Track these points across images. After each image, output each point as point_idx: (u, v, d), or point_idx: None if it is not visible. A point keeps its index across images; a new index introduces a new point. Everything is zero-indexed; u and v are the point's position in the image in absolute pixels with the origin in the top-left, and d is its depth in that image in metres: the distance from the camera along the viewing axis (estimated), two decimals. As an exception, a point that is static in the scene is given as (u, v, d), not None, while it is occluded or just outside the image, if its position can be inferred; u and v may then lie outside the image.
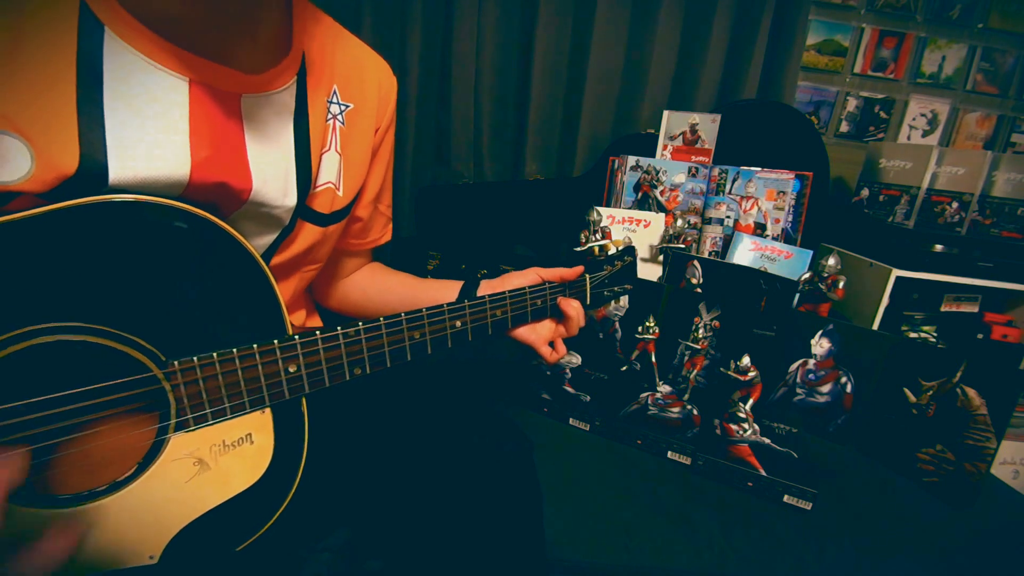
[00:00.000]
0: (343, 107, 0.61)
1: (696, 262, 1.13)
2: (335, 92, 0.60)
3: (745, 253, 1.23)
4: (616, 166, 1.38)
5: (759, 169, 1.29)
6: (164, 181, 0.45)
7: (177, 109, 0.46)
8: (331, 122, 0.60)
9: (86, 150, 0.42)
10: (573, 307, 0.71)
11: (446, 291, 0.74)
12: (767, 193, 1.30)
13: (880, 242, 1.32)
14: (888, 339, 0.98)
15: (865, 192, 1.46)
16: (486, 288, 0.72)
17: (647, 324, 1.02)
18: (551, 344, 0.73)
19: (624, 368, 1.04)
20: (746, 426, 0.92)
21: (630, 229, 1.28)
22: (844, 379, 0.95)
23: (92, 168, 0.42)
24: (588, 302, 0.75)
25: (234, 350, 0.45)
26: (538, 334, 0.72)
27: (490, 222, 1.49)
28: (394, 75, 0.68)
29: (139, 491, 0.44)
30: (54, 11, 0.40)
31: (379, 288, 0.78)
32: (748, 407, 0.93)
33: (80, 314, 0.40)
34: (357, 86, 0.62)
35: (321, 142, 0.59)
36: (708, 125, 1.37)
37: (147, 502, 0.44)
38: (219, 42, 0.47)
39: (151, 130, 0.45)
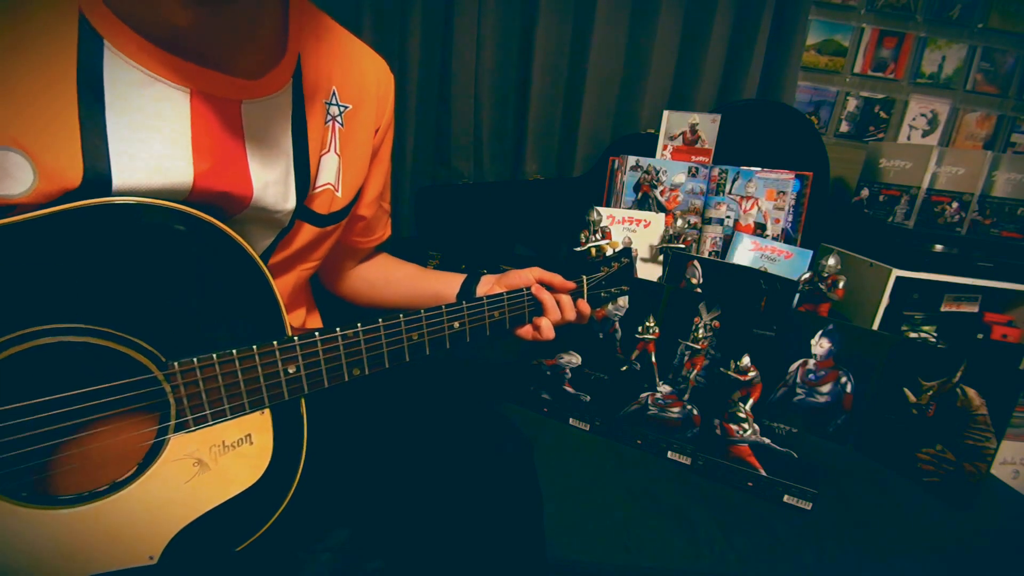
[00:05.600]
0: (342, 108, 0.61)
1: (696, 262, 1.13)
2: (334, 94, 0.60)
3: (745, 253, 1.23)
4: (616, 166, 1.38)
5: (759, 169, 1.29)
6: (167, 192, 0.45)
7: (179, 120, 0.46)
8: (330, 124, 0.60)
9: (90, 164, 0.42)
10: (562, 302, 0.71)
11: (448, 285, 0.75)
12: (767, 193, 1.30)
13: (880, 242, 1.32)
14: (888, 339, 0.98)
15: (865, 192, 1.46)
16: (487, 282, 0.73)
17: (647, 324, 1.02)
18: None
19: (624, 368, 1.04)
20: (746, 426, 0.92)
21: (630, 229, 1.28)
22: (844, 379, 0.95)
23: (95, 181, 0.42)
24: (586, 303, 0.75)
25: (233, 351, 0.45)
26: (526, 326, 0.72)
27: (490, 222, 1.49)
28: (391, 72, 0.68)
29: (139, 492, 0.44)
30: (53, 26, 0.40)
31: (386, 280, 0.79)
32: (748, 407, 0.93)
33: (81, 315, 0.40)
34: (356, 86, 0.62)
35: (320, 144, 0.58)
36: (708, 125, 1.37)
37: (147, 503, 0.44)
38: (219, 50, 0.47)
39: (153, 142, 0.45)
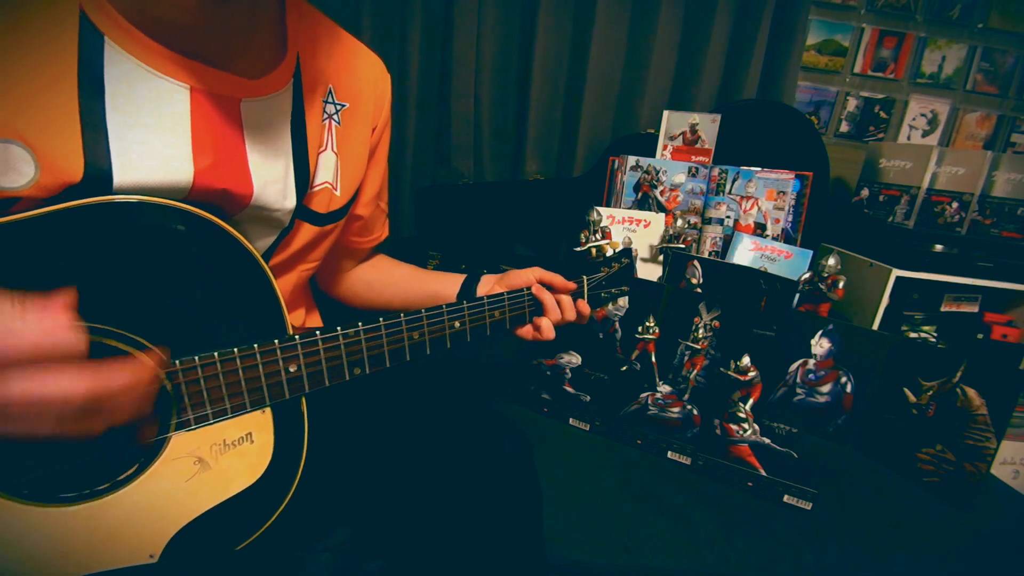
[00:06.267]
0: (339, 107, 0.61)
1: (696, 262, 1.13)
2: (330, 92, 0.60)
3: (745, 253, 1.23)
4: (616, 166, 1.38)
5: (759, 169, 1.29)
6: (167, 189, 0.46)
7: (179, 117, 0.46)
8: (327, 122, 0.60)
9: (90, 158, 0.42)
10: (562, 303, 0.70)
11: (448, 285, 0.75)
12: (767, 193, 1.30)
13: (880, 242, 1.32)
14: (888, 339, 0.98)
15: (865, 192, 1.46)
16: (487, 282, 0.73)
17: (647, 324, 1.02)
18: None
19: (624, 368, 1.04)
20: (746, 426, 0.92)
21: (630, 229, 1.28)
22: (844, 379, 0.95)
23: (96, 176, 0.42)
24: (586, 303, 0.75)
25: (235, 350, 0.46)
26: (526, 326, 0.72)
27: (490, 222, 1.49)
28: (388, 72, 0.68)
29: (140, 489, 0.44)
30: (54, 22, 0.40)
31: (384, 281, 0.79)
32: (748, 407, 0.93)
33: (83, 313, 0.40)
34: (352, 85, 0.62)
35: (318, 142, 0.59)
36: (708, 125, 1.37)
37: (147, 501, 0.44)
38: (219, 48, 0.47)
39: (154, 138, 0.45)
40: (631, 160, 1.33)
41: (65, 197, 0.41)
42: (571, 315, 0.71)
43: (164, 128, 0.45)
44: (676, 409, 1.00)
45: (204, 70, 0.47)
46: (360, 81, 0.63)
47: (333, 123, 0.60)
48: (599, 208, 1.21)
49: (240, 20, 0.48)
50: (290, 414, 0.51)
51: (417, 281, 0.78)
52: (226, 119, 0.49)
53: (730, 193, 1.31)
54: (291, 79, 0.54)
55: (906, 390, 0.97)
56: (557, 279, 0.70)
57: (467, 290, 0.74)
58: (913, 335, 1.35)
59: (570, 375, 1.08)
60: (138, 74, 0.44)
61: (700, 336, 0.99)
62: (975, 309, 1.37)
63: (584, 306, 0.73)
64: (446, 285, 0.75)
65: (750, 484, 0.90)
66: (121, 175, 0.43)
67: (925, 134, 1.65)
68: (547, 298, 0.69)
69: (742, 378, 0.93)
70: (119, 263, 0.41)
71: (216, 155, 0.48)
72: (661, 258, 1.25)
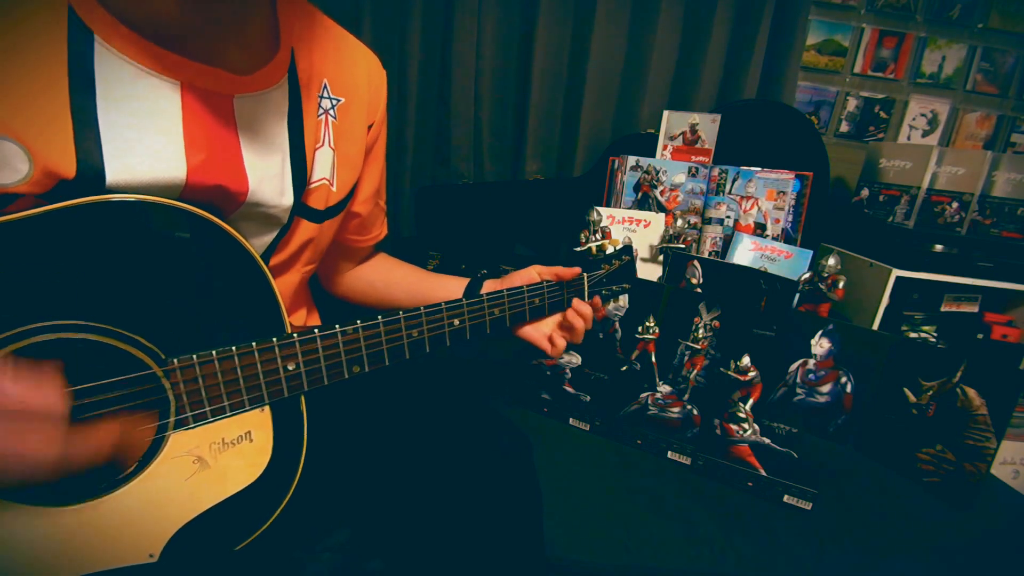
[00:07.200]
0: (334, 101, 0.61)
1: (696, 262, 1.13)
2: (325, 86, 0.59)
3: (745, 253, 1.23)
4: (616, 166, 1.38)
5: (759, 169, 1.29)
6: (161, 185, 0.46)
7: (170, 113, 0.46)
8: (323, 117, 0.59)
9: (82, 155, 0.42)
10: (583, 315, 0.72)
11: (450, 287, 0.75)
12: (767, 193, 1.30)
13: (880, 242, 1.32)
14: (888, 339, 0.98)
15: (865, 192, 1.46)
16: (489, 287, 0.73)
17: (647, 324, 1.02)
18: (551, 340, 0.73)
19: (624, 368, 1.04)
20: (746, 426, 0.92)
21: (630, 229, 1.28)
22: (844, 379, 0.95)
23: (89, 172, 0.42)
24: (586, 300, 0.75)
25: (233, 348, 0.45)
26: (540, 331, 0.73)
27: (490, 222, 1.50)
28: (384, 68, 0.68)
29: (139, 489, 0.44)
30: (44, 20, 0.41)
31: (386, 281, 0.79)
32: (748, 407, 0.93)
33: (81, 312, 0.40)
34: (348, 80, 0.62)
35: (314, 138, 0.58)
36: (708, 125, 1.37)
37: (147, 500, 0.44)
38: (209, 44, 0.47)
39: (146, 135, 0.45)
40: (631, 160, 1.33)
41: (60, 193, 0.41)
42: (580, 323, 0.72)
43: (155, 125, 0.45)
44: (676, 409, 1.00)
45: (194, 66, 0.46)
46: (356, 76, 0.63)
47: (330, 118, 0.60)
48: (599, 208, 1.21)
49: (229, 15, 0.48)
50: (289, 413, 0.51)
51: (419, 282, 0.78)
52: (218, 115, 0.49)
53: (730, 193, 1.31)
54: (286, 74, 0.54)
55: (906, 390, 0.97)
56: (558, 269, 0.71)
57: (471, 294, 0.73)
58: (913, 335, 1.35)
59: (570, 375, 1.08)
60: (128, 71, 0.44)
61: (700, 336, 0.99)
62: (975, 309, 1.37)
63: (583, 306, 0.73)
64: (448, 287, 0.75)
65: (750, 484, 0.90)
66: (114, 172, 0.43)
67: (925, 134, 1.65)
68: (578, 323, 0.72)
69: (742, 378, 0.93)
70: (117, 262, 0.41)
71: (209, 151, 0.48)
72: (661, 258, 1.25)
